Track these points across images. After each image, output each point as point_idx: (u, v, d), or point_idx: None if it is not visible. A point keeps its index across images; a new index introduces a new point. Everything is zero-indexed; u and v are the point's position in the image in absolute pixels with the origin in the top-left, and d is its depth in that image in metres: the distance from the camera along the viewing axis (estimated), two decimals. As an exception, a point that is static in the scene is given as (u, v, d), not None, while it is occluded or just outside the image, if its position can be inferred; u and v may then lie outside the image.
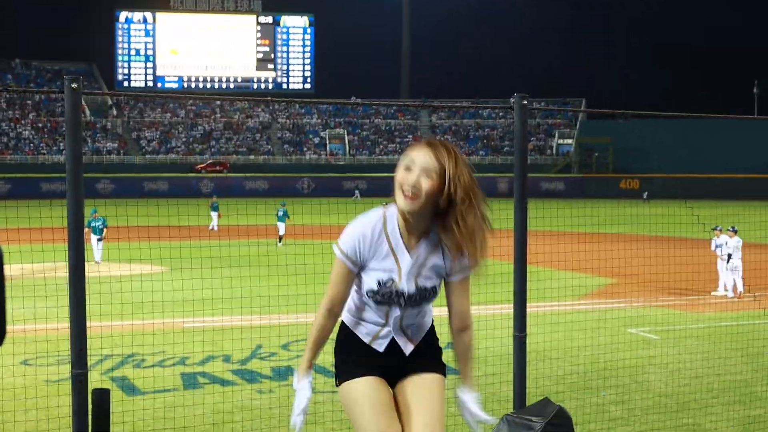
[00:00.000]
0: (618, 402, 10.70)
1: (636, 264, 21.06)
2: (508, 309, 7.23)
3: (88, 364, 5.61)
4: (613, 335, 14.80)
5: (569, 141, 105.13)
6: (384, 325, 4.59)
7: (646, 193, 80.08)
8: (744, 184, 78.88)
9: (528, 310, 6.99)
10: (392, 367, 4.64)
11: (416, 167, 4.36)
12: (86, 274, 5.54)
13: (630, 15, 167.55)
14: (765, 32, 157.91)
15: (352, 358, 4.62)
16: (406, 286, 4.47)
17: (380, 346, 4.61)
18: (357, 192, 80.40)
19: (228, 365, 12.69)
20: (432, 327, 4.79)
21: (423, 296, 4.54)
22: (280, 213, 35.03)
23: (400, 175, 4.39)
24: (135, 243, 18.34)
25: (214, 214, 41.37)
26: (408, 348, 4.63)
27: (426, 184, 4.32)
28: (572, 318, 16.44)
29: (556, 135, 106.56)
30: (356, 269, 4.50)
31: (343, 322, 4.69)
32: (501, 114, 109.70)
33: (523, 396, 6.79)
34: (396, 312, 4.55)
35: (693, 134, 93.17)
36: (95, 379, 11.11)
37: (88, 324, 5.67)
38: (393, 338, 4.61)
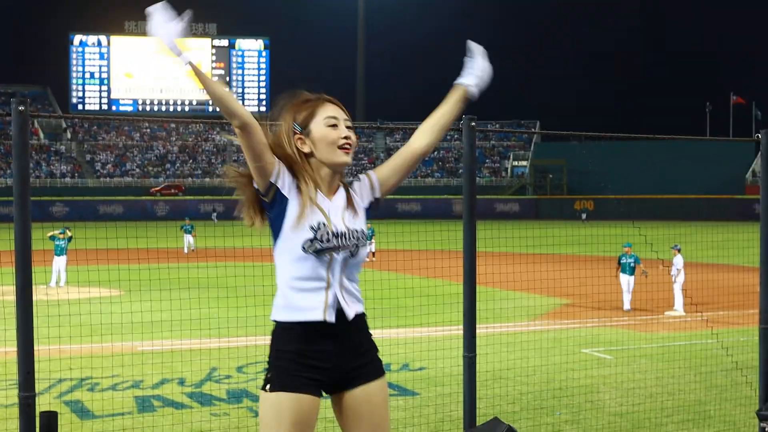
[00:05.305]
0: (572, 422, 10.77)
1: (589, 284, 21.23)
2: (459, 330, 7.28)
3: (41, 388, 5.59)
4: (567, 355, 14.91)
5: (524, 163, 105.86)
6: (327, 287, 4.35)
7: (585, 214, 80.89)
8: (696, 204, 79.65)
9: (480, 330, 7.04)
10: (334, 368, 4.38)
11: (341, 122, 4.50)
12: (38, 297, 5.52)
13: (584, 37, 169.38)
14: (717, 53, 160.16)
15: (291, 364, 4.33)
16: (337, 227, 4.38)
17: (330, 315, 4.34)
18: (214, 215, 75.72)
19: (182, 388, 12.64)
20: (365, 320, 4.58)
21: (355, 237, 4.42)
22: None
23: (331, 133, 4.46)
24: (92, 266, 18.23)
25: (187, 236, 41.17)
26: (350, 311, 4.40)
27: (354, 136, 4.50)
28: (526, 338, 16.54)
29: (511, 157, 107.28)
30: (270, 167, 4.69)
31: (277, 323, 4.41)
32: (456, 136, 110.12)
33: (473, 416, 6.84)
34: (337, 261, 4.37)
35: (646, 155, 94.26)
36: (49, 403, 11.01)
37: (38, 347, 5.65)
38: (339, 304, 4.36)
